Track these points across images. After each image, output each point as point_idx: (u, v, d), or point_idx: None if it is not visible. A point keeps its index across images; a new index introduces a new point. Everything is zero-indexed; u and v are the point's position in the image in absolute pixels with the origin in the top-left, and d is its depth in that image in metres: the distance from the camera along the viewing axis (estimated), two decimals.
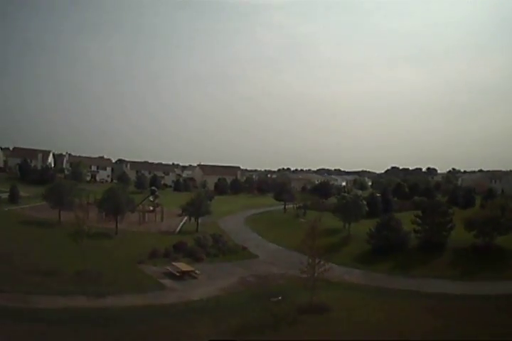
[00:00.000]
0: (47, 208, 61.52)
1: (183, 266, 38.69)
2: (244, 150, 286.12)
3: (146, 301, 30.19)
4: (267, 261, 46.28)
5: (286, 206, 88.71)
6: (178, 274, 37.34)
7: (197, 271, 38.18)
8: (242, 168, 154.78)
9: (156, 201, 74.24)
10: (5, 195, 73.74)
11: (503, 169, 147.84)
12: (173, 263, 39.77)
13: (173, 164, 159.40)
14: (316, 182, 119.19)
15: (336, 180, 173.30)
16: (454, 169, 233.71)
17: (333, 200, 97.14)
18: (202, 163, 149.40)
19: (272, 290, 35.03)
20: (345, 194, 62.60)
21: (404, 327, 26.97)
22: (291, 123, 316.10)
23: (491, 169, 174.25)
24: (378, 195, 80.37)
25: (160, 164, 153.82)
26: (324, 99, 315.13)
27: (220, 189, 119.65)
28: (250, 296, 33.43)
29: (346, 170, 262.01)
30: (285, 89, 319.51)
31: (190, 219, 66.19)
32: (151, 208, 70.87)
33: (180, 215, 70.37)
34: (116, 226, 54.89)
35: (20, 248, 39.89)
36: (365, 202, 61.16)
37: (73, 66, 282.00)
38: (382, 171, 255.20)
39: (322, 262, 31.01)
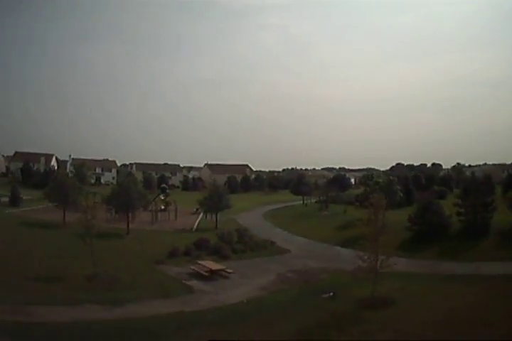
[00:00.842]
0: (51, 210, 55.75)
1: (211, 265, 32.49)
2: (249, 151, 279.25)
3: (174, 307, 23.83)
4: (301, 255, 40.08)
5: (305, 201, 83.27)
6: (206, 274, 31.15)
7: (228, 270, 31.89)
8: (252, 168, 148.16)
9: (168, 199, 68.09)
10: (6, 199, 67.90)
11: (507, 162, 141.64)
12: (199, 262, 33.56)
13: (179, 165, 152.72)
14: (330, 177, 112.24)
15: (345, 175, 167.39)
16: (459, 163, 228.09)
17: (352, 192, 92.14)
18: (209, 162, 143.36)
19: (319, 285, 29.28)
20: (379, 179, 55.64)
21: (485, 312, 21.71)
22: (295, 123, 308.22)
23: (495, 162, 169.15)
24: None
25: (166, 164, 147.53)
26: (324, 98, 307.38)
27: (231, 187, 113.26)
28: (296, 294, 27.41)
29: (351, 167, 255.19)
30: (289, 89, 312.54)
31: (206, 217, 61.67)
32: (163, 207, 65.03)
33: (194, 213, 66.72)
34: (128, 225, 48.88)
35: (20, 251, 33.76)
36: (399, 187, 54.40)
37: (75, 68, 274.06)
38: (388, 168, 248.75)
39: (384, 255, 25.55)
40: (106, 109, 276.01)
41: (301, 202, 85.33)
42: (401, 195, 54.42)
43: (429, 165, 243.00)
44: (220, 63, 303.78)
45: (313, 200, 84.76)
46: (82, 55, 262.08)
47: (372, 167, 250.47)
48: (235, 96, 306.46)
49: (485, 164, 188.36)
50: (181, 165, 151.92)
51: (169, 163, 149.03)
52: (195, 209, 66.87)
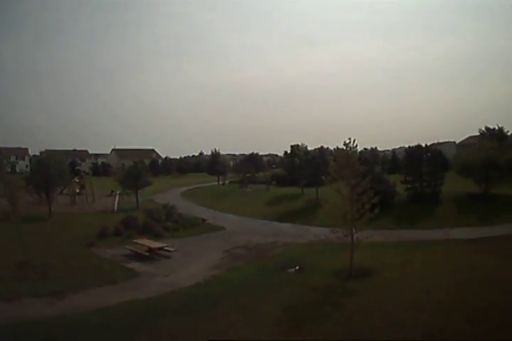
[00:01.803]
0: None
1: (148, 243, 27.35)
2: (158, 138, 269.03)
3: (124, 296, 18.51)
4: (240, 231, 35.61)
5: (221, 181, 79.19)
6: (146, 254, 26.00)
7: (169, 248, 26.74)
8: (160, 154, 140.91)
9: (82, 182, 61.35)
10: None
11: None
12: (135, 241, 28.22)
13: (87, 151, 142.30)
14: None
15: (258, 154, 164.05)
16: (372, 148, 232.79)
17: (266, 174, 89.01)
18: (117, 147, 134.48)
19: (276, 260, 25.08)
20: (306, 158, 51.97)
21: (474, 271, 19.73)
22: (204, 111, 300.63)
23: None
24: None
25: (76, 151, 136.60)
26: (231, 85, 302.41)
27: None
28: (257, 271, 23.01)
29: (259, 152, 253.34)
30: (195, 77, 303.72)
31: (123, 198, 55.47)
32: (78, 190, 58.11)
33: (109, 196, 60.72)
34: (50, 207, 42.16)
35: None
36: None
37: None
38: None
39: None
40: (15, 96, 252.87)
41: (216, 183, 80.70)
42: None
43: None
44: (122, 51, 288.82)
45: (228, 181, 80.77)
46: None
47: (274, 153, 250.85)
48: (140, 84, 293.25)
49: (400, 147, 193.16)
50: (90, 152, 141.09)
51: (78, 149, 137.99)
52: (110, 192, 61.91)
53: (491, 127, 68.77)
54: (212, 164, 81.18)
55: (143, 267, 23.98)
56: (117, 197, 57.08)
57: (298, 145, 55.45)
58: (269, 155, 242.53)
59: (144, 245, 26.89)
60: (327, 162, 46.97)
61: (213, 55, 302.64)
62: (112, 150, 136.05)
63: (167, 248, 26.65)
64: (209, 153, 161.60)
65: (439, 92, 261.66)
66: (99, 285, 19.91)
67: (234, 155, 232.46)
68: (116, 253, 27.05)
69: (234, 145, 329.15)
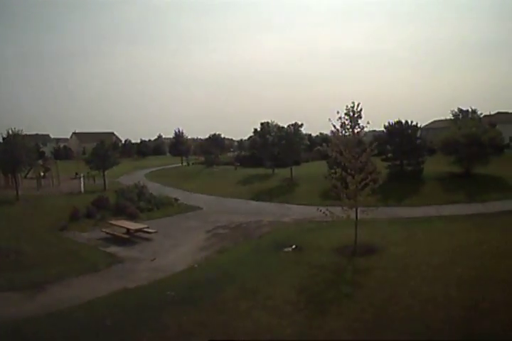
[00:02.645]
0: None
1: (126, 224, 24.31)
2: (117, 122, 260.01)
3: (112, 285, 15.53)
4: (218, 210, 32.65)
5: (184, 162, 75.76)
6: (125, 236, 22.86)
7: (150, 229, 23.65)
8: (119, 137, 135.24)
9: (47, 165, 56.82)
10: None
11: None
12: (111, 222, 25.10)
13: (49, 135, 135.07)
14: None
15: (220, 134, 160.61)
16: (321, 133, 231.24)
17: (229, 155, 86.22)
18: (77, 131, 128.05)
19: (268, 240, 22.36)
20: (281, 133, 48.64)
21: (484, 245, 18.26)
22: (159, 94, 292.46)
23: None
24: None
25: (37, 135, 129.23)
26: (189, 69, 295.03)
27: None
28: (251, 251, 20.33)
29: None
30: (152, 60, 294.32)
31: (89, 180, 52.10)
32: (42, 173, 53.82)
33: (74, 178, 56.87)
34: (17, 190, 38.31)
35: None
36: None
37: None
38: (246, 138, 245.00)
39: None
40: None
41: (180, 164, 77.22)
42: (308, 142, 48.40)
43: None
44: (83, 36, 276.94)
45: (192, 162, 77.43)
46: None
47: (229, 137, 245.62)
48: (99, 69, 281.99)
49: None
50: (51, 136, 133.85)
51: (39, 133, 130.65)
52: (74, 174, 58.63)
53: (464, 109, 68.32)
54: (175, 144, 77.35)
55: (124, 251, 20.91)
56: (82, 179, 53.12)
57: (268, 122, 52.54)
58: (226, 139, 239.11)
59: (121, 227, 23.85)
60: (302, 139, 44.44)
61: (172, 40, 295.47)
62: (73, 133, 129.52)
63: (147, 229, 23.60)
64: (168, 136, 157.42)
65: (402, 78, 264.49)
66: (81, 274, 16.82)
67: (195, 139, 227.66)
68: (91, 237, 23.81)
69: (193, 129, 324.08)
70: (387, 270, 15.72)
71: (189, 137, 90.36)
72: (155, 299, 13.81)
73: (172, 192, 42.98)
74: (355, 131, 18.82)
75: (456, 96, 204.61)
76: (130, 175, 65.41)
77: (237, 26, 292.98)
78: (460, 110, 68.84)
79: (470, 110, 67.89)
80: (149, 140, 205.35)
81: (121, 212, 30.12)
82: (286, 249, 19.83)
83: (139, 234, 23.58)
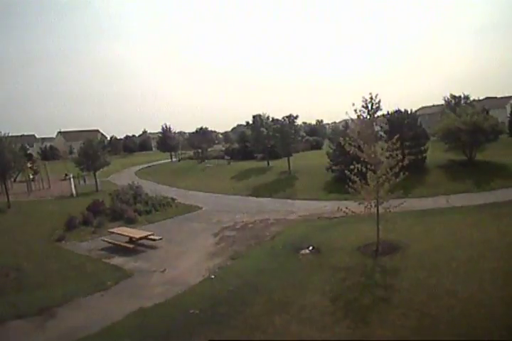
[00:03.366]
0: None
1: (129, 232, 22.87)
2: (100, 119, 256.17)
3: (126, 305, 14.12)
4: (219, 210, 31.28)
5: (174, 157, 74.35)
6: (130, 246, 21.48)
7: (154, 236, 22.33)
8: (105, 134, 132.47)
9: (35, 167, 55.22)
10: None
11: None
12: (111, 231, 23.63)
13: (34, 136, 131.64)
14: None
15: (207, 128, 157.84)
16: (305, 123, 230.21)
17: (217, 147, 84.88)
18: (62, 130, 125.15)
19: (280, 241, 21.05)
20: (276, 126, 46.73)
21: (506, 235, 17.69)
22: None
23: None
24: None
25: (23, 136, 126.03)
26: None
27: None
28: (267, 256, 18.99)
29: (190, 131, 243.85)
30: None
31: (79, 182, 50.53)
32: (31, 176, 52.16)
33: (64, 179, 55.07)
34: (8, 196, 36.80)
35: None
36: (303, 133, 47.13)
37: None
38: (229, 129, 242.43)
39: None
40: None
41: (169, 160, 75.67)
42: (304, 134, 47.11)
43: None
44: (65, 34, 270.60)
45: (180, 157, 75.86)
46: None
47: (212, 129, 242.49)
48: (80, 64, 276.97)
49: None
50: (37, 136, 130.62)
51: (25, 134, 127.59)
52: (64, 175, 56.55)
53: (456, 95, 67.81)
54: (163, 140, 75.51)
55: (130, 262, 19.60)
56: (72, 180, 51.41)
57: (260, 115, 51.08)
58: (211, 131, 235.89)
59: (122, 235, 22.43)
60: (298, 131, 43.24)
61: (155, 34, 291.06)
62: (58, 132, 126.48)
63: (151, 236, 22.27)
64: (153, 131, 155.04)
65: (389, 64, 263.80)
66: (89, 293, 15.46)
67: (181, 133, 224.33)
68: (92, 247, 22.40)
69: (177, 123, 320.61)
70: (416, 269, 14.83)
71: (176, 131, 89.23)
72: (178, 320, 12.64)
73: (167, 191, 41.72)
74: (374, 124, 17.62)
75: (442, 81, 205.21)
76: (120, 174, 64.05)
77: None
78: (453, 96, 68.38)
79: (462, 96, 67.35)
80: (133, 135, 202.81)
81: (118, 216, 28.81)
82: (303, 251, 18.75)
83: (142, 241, 22.25)
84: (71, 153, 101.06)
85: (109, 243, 22.41)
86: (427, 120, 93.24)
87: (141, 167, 72.01)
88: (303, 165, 42.61)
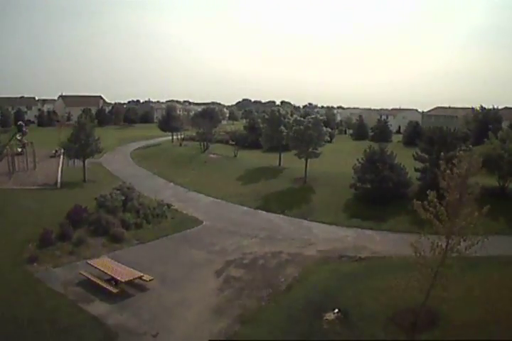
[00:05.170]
0: None
1: (112, 270, 18.50)
2: (101, 82, 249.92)
3: None
4: (221, 228, 27.17)
5: (174, 137, 69.66)
6: (114, 291, 17.27)
7: (146, 277, 18.35)
8: (107, 100, 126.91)
9: (25, 140, 49.49)
10: None
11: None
12: (91, 263, 19.38)
13: (34, 98, 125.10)
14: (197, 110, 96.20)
15: (215, 108, 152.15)
16: (310, 104, 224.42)
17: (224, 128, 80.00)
18: (64, 94, 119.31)
19: (300, 296, 17.40)
20: (301, 118, 40.51)
21: None
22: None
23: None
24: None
25: (23, 98, 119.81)
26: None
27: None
28: (284, 320, 15.40)
29: (195, 101, 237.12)
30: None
31: (68, 163, 45.65)
32: (20, 150, 47.55)
33: (53, 156, 51.44)
34: None
35: None
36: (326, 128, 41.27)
37: None
38: (233, 103, 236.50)
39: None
40: None
41: (169, 137, 71.05)
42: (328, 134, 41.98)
43: (278, 102, 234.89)
44: None
45: (181, 136, 70.93)
46: None
47: (217, 102, 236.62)
48: (89, 29, 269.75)
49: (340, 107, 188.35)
50: (37, 98, 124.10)
51: (25, 96, 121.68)
52: (54, 152, 52.15)
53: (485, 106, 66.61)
54: (166, 119, 70.33)
55: (115, 314, 15.82)
56: (61, 159, 46.84)
57: (279, 109, 45.74)
58: (212, 103, 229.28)
59: (104, 273, 18.21)
60: (322, 128, 37.75)
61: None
62: (59, 96, 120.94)
63: (143, 277, 18.30)
64: (157, 99, 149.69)
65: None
66: None
67: (177, 102, 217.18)
68: (68, 278, 18.60)
69: (182, 91, 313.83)
70: None
71: (177, 99, 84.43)
72: None
73: (164, 188, 37.91)
74: None
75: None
76: (115, 154, 59.70)
77: None
78: (482, 108, 65.88)
79: (492, 108, 64.98)
80: (138, 101, 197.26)
81: (102, 230, 24.80)
82: (328, 316, 15.45)
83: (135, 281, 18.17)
84: (69, 119, 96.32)
85: (86, 277, 18.29)
86: (454, 122, 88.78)
87: (137, 145, 67.81)
88: (320, 172, 37.81)
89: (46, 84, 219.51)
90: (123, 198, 28.65)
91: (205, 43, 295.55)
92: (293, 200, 33.03)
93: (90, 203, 27.69)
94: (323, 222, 28.39)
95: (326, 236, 25.70)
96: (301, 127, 36.32)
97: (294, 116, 40.12)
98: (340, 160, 43.76)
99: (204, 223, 28.06)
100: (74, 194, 32.95)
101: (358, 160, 32.63)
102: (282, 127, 43.21)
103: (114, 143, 68.90)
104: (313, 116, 39.70)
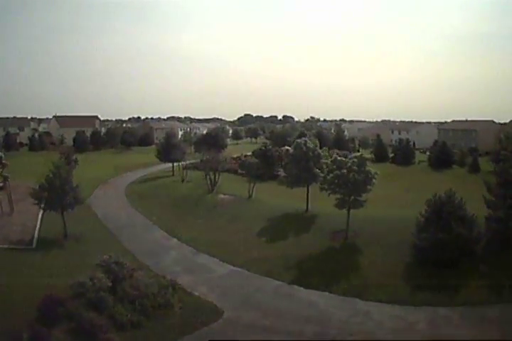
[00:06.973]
0: None
1: None
2: (98, 99, 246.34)
3: None
4: (248, 322, 19.55)
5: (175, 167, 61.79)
6: None
7: None
8: (103, 119, 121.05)
9: (5, 173, 41.39)
10: None
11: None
12: None
13: (29, 118, 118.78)
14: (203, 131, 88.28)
15: (198, 128, 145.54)
16: (312, 118, 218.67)
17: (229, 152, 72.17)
18: (58, 114, 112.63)
19: None
20: (341, 158, 30.77)
21: None
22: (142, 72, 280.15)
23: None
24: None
25: (15, 118, 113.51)
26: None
27: (80, 144, 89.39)
28: None
29: (196, 117, 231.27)
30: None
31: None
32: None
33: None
34: None
35: None
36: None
37: None
38: (235, 118, 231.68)
39: None
40: None
41: (169, 164, 62.70)
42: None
43: (280, 117, 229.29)
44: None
45: (184, 170, 62.90)
46: None
47: (219, 117, 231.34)
48: (85, 45, 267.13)
49: (343, 120, 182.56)
50: (29, 117, 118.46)
51: (18, 116, 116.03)
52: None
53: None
54: (166, 148, 61.30)
55: None
56: (40, 214, 37.92)
57: (306, 141, 37.59)
58: (214, 119, 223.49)
59: None
60: (368, 170, 29.10)
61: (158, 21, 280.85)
62: (53, 117, 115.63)
63: None
64: (158, 116, 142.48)
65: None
66: None
67: (178, 118, 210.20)
68: None
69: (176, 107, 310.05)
70: None
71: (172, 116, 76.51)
72: None
73: (166, 249, 30.22)
74: None
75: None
76: (108, 188, 52.58)
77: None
78: None
79: None
80: (138, 117, 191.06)
81: (85, 336, 17.02)
82: None
83: None
84: (62, 143, 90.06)
85: None
86: (473, 137, 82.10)
87: (135, 178, 60.34)
88: (361, 218, 29.61)
89: (44, 101, 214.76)
90: (110, 284, 20.62)
91: (207, 56, 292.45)
92: (337, 268, 25.24)
93: (71, 280, 20.32)
94: (381, 301, 21.00)
95: (394, 325, 18.53)
96: (344, 171, 28.05)
97: (334, 156, 31.59)
98: (377, 194, 34.25)
99: (225, 314, 20.27)
100: (50, 262, 25.32)
101: (420, 213, 24.91)
102: (317, 170, 34.90)
103: (108, 174, 61.66)
104: (356, 154, 31.62)
